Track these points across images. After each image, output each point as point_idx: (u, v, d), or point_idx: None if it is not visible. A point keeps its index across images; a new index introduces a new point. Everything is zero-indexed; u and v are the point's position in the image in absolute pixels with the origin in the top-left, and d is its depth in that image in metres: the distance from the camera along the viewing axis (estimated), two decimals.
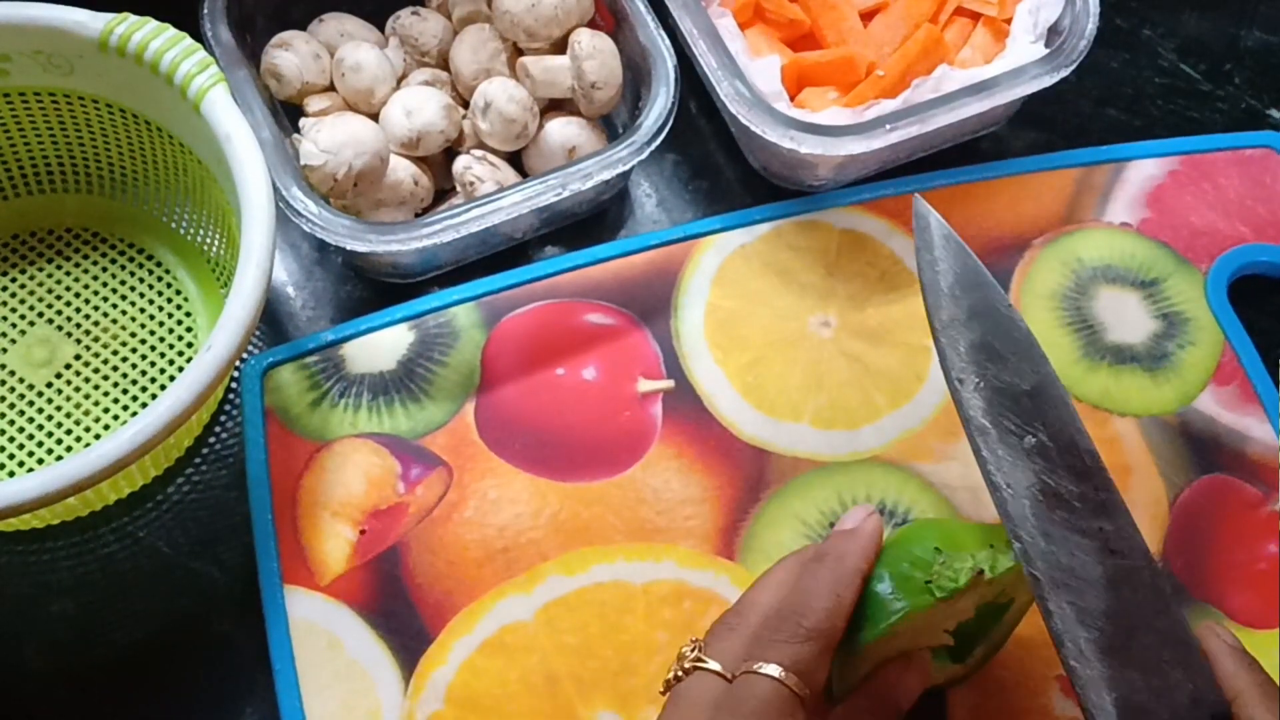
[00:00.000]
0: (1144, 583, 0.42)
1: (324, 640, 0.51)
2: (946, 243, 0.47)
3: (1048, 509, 0.43)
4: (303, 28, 0.61)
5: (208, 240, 0.58)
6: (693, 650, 0.44)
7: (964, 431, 0.44)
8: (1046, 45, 0.60)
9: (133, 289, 0.59)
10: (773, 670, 0.41)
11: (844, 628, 0.43)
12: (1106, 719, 0.40)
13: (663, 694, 0.44)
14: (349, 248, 0.53)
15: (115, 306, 0.58)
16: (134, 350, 0.57)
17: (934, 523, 0.52)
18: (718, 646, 0.44)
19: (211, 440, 0.56)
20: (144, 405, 0.56)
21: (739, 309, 0.58)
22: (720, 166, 0.64)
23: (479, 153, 0.59)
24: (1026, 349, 0.46)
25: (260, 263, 0.48)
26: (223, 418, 0.56)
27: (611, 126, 0.62)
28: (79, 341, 0.57)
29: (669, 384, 0.57)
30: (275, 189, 0.52)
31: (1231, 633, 0.43)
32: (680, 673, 0.43)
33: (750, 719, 0.41)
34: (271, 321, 0.59)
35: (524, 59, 0.59)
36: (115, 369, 0.57)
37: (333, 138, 0.54)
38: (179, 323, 0.58)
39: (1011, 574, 0.44)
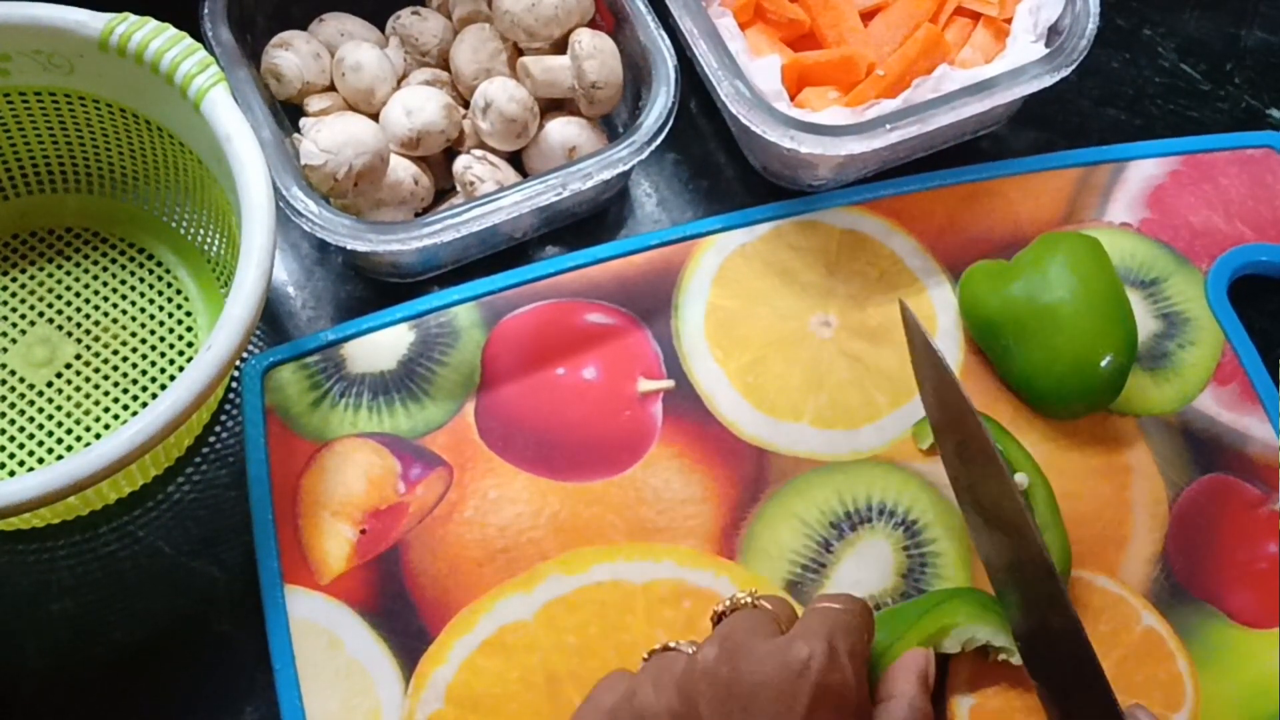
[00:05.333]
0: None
1: (324, 640, 0.51)
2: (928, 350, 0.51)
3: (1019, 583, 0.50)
4: (303, 27, 0.61)
5: (208, 240, 0.58)
6: (749, 596, 0.46)
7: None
8: (1047, 45, 0.60)
9: (133, 289, 0.59)
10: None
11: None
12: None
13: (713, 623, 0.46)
14: (349, 247, 0.53)
15: (115, 306, 0.58)
16: (134, 350, 0.57)
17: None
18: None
19: (211, 440, 0.56)
20: (144, 405, 0.56)
21: (739, 309, 0.58)
22: (720, 166, 0.64)
23: (479, 152, 0.59)
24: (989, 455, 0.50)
25: (260, 262, 0.48)
26: (223, 418, 0.56)
27: (611, 126, 0.62)
28: (79, 341, 0.57)
29: (669, 384, 0.57)
30: (275, 189, 0.52)
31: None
32: (729, 607, 0.46)
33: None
34: (272, 321, 0.59)
35: (524, 59, 0.59)
36: (115, 369, 0.57)
37: (333, 137, 0.54)
38: (179, 323, 0.58)
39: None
